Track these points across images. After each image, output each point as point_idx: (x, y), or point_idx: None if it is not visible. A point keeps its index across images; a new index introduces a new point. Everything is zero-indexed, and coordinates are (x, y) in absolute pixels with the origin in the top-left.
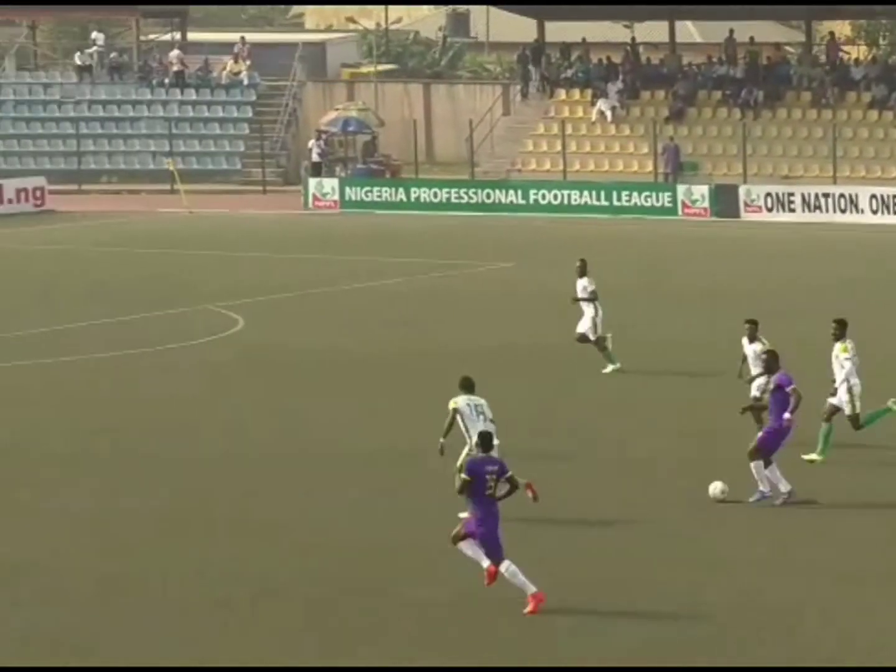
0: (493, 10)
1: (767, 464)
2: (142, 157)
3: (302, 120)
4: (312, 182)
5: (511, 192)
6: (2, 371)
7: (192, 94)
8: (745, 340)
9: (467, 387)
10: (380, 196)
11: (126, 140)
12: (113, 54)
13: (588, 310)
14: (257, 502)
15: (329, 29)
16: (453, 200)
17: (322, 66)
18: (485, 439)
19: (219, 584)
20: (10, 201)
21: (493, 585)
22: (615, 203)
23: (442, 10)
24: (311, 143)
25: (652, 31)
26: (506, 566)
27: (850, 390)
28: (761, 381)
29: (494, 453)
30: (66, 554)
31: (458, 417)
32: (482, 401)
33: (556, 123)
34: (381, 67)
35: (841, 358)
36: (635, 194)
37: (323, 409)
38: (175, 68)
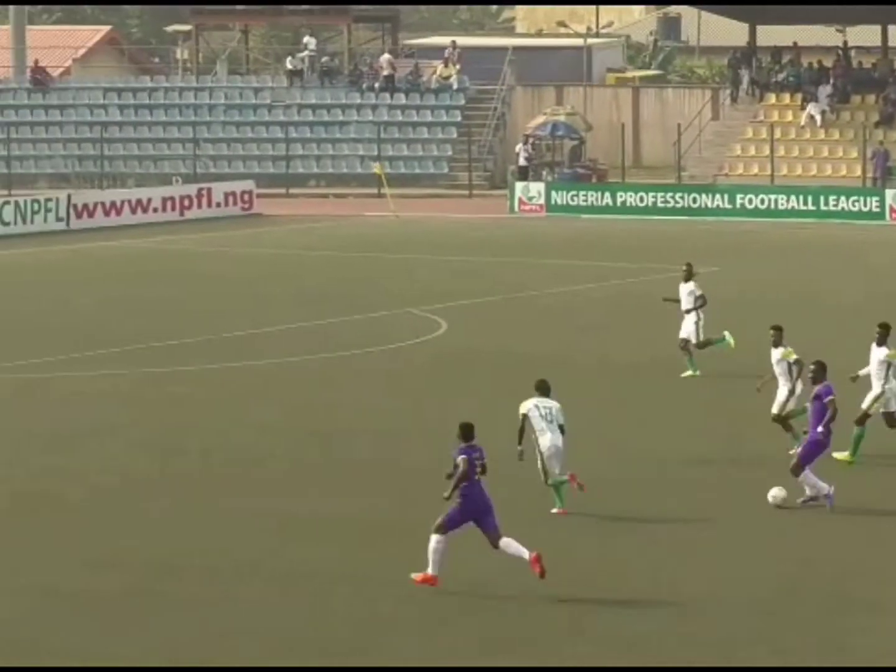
0: (705, 13)
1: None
2: (350, 161)
3: (510, 124)
4: (519, 186)
5: (718, 196)
6: (211, 372)
7: (401, 99)
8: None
9: (541, 389)
10: (586, 200)
11: (335, 144)
12: (324, 59)
13: (691, 315)
14: None
15: (540, 33)
16: (659, 205)
17: (587, 70)
18: (467, 430)
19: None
20: (218, 205)
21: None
22: (822, 208)
23: (653, 14)
24: (519, 147)
25: (864, 35)
26: (437, 538)
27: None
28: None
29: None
30: (285, 555)
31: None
32: (554, 404)
33: (764, 128)
34: (646, 73)
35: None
36: (843, 199)
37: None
38: (385, 72)
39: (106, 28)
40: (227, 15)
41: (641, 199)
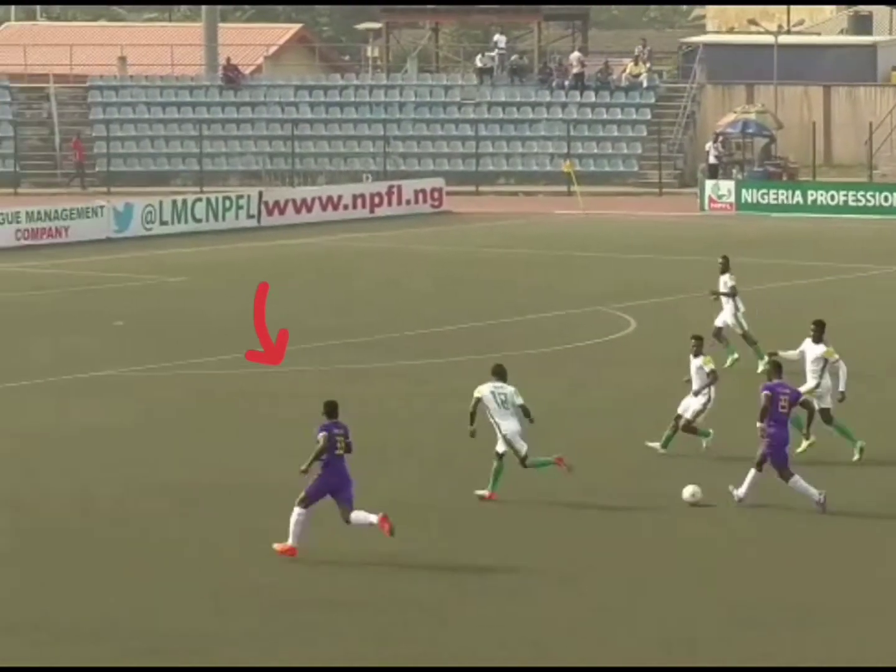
0: None
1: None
2: (539, 158)
3: (700, 122)
4: (709, 184)
5: None
6: (405, 369)
7: (591, 97)
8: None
9: (498, 374)
10: (776, 198)
11: (524, 142)
12: (514, 57)
13: (728, 305)
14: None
15: (731, 31)
16: (850, 203)
17: (872, 68)
18: (330, 407)
19: None
20: (408, 202)
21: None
22: None
23: (843, 13)
24: (709, 145)
25: None
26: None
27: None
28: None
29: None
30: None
31: (482, 406)
32: (509, 389)
33: None
34: None
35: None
36: None
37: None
38: (575, 70)
39: (297, 26)
40: (417, 13)
41: (832, 198)
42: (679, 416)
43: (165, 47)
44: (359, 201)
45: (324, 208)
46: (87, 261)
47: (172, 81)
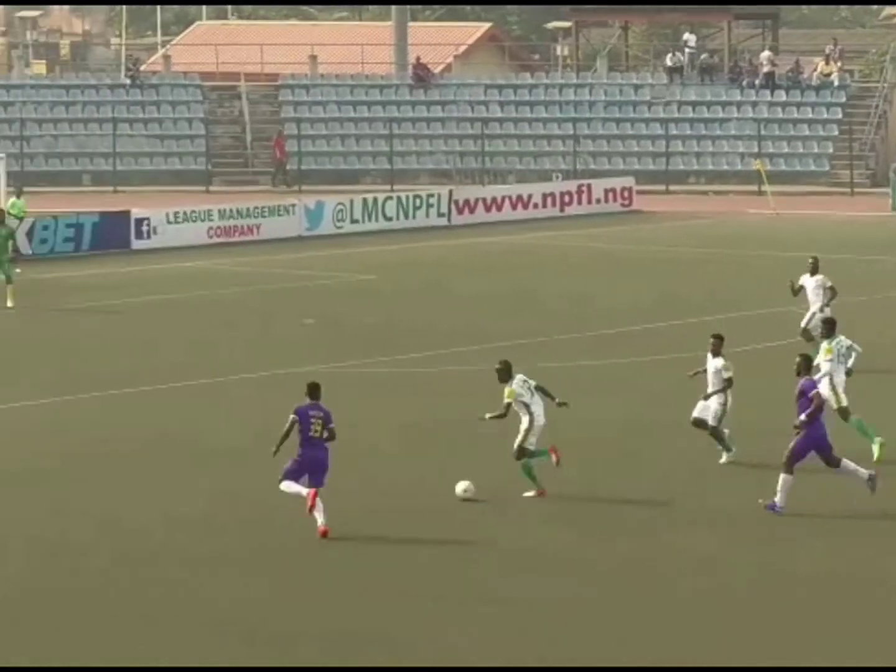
0: None
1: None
2: (730, 158)
3: (892, 121)
4: None
5: None
6: (591, 369)
7: (781, 96)
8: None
9: (507, 371)
10: None
11: (714, 141)
12: (704, 56)
13: (815, 305)
14: None
15: None
16: None
17: None
18: (312, 389)
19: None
20: (598, 201)
21: (314, 507)
22: None
23: None
24: None
25: None
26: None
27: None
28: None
29: None
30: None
31: (515, 404)
32: (527, 378)
33: None
34: None
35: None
36: None
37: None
38: (765, 69)
39: (486, 25)
40: (606, 12)
41: None
42: (698, 422)
43: (356, 46)
44: (548, 200)
45: (513, 207)
46: (278, 259)
47: (363, 80)
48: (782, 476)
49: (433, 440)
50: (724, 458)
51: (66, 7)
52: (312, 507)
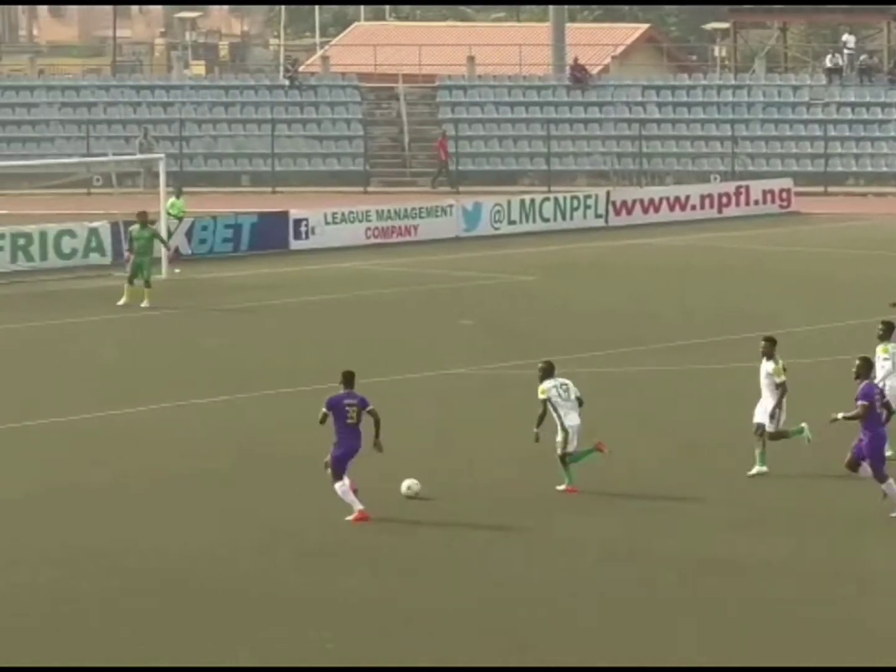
0: None
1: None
2: (889, 159)
3: None
4: None
5: None
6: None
7: None
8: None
9: (549, 371)
10: None
11: (874, 143)
12: (863, 57)
13: None
14: None
15: None
16: None
17: None
18: (347, 377)
19: None
20: (756, 202)
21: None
22: None
23: None
24: None
25: None
26: (339, 485)
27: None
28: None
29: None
30: None
31: (549, 405)
32: (567, 381)
33: None
34: None
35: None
36: None
37: None
38: None
39: (644, 26)
40: (765, 13)
41: None
42: (760, 427)
43: (513, 47)
44: (706, 201)
45: (671, 208)
46: (435, 259)
47: (520, 81)
48: (885, 484)
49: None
50: (754, 470)
51: (225, 8)
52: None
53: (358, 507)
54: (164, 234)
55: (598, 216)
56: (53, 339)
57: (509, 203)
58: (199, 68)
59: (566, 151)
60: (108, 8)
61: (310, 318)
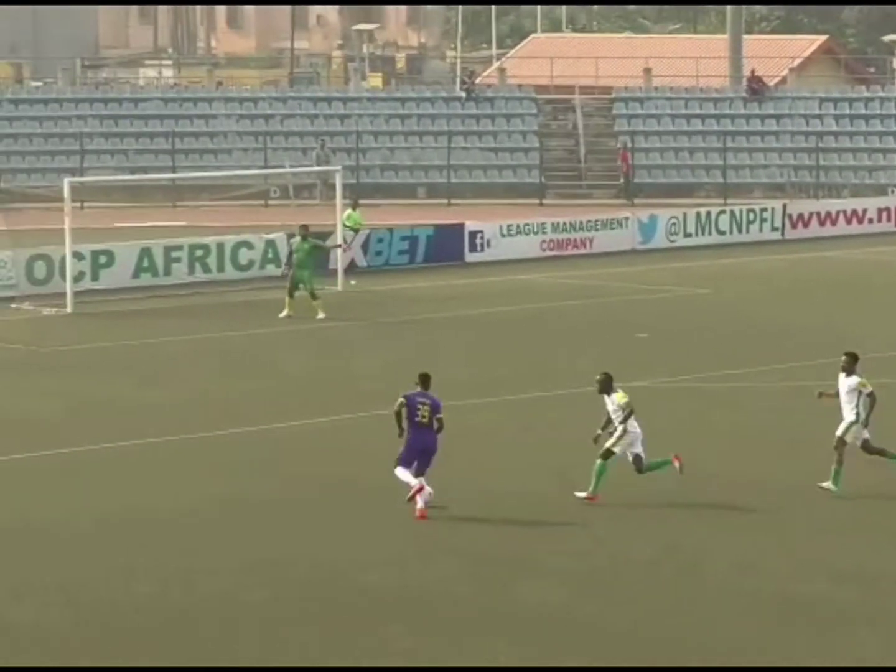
0: None
1: None
2: None
3: None
4: None
5: None
6: None
7: None
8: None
9: (608, 383)
10: None
11: None
12: None
13: None
14: None
15: None
16: None
17: None
18: (423, 378)
19: None
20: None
21: (416, 495)
22: None
23: None
24: None
25: None
26: (399, 469)
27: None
28: None
29: None
30: None
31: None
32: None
33: None
34: None
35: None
36: None
37: None
38: None
39: (822, 38)
40: None
41: None
42: (841, 442)
43: (690, 59)
44: (884, 215)
45: (848, 222)
46: (611, 272)
47: (697, 93)
48: None
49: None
50: (826, 484)
51: (402, 20)
52: (414, 496)
53: (414, 485)
54: (339, 244)
55: (774, 229)
56: (229, 349)
57: (685, 215)
58: (376, 80)
59: (742, 164)
60: (286, 19)
61: (485, 329)
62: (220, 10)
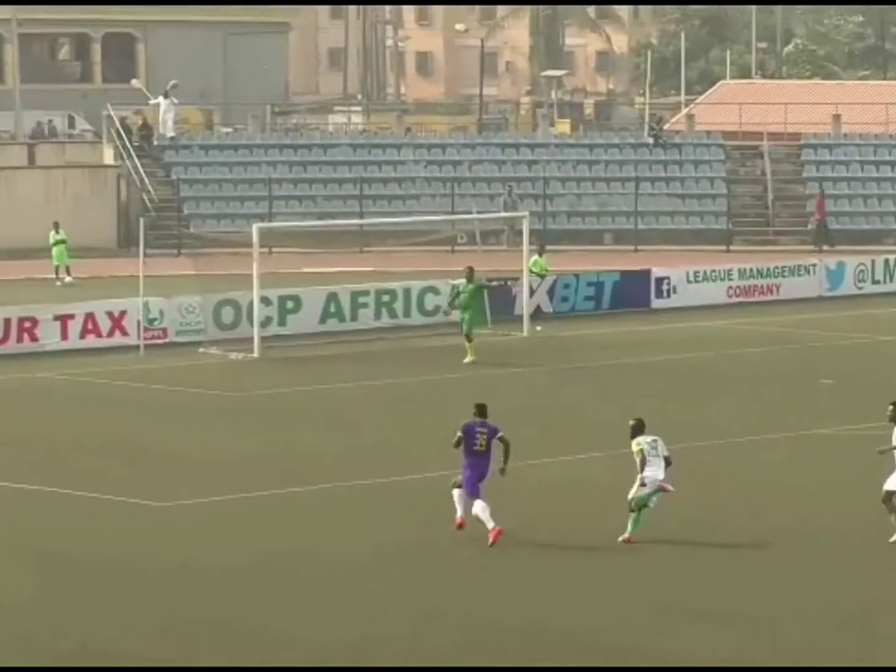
0: None
1: None
2: None
3: None
4: None
5: None
6: None
7: None
8: None
9: (640, 429)
10: None
11: None
12: None
13: None
14: None
15: None
16: None
17: None
18: (480, 408)
19: None
20: None
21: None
22: None
23: None
24: None
25: None
26: (478, 504)
27: None
28: None
29: None
30: None
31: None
32: (657, 438)
33: None
34: None
35: None
36: None
37: None
38: None
39: None
40: None
41: None
42: (891, 495)
43: (880, 105)
44: None
45: None
46: (798, 318)
47: (886, 139)
48: None
49: None
50: (893, 538)
51: (591, 66)
52: (495, 540)
53: (459, 514)
54: (525, 291)
55: None
56: (410, 395)
57: (873, 262)
58: (564, 126)
59: None
60: (475, 66)
61: (671, 376)
62: (410, 57)
